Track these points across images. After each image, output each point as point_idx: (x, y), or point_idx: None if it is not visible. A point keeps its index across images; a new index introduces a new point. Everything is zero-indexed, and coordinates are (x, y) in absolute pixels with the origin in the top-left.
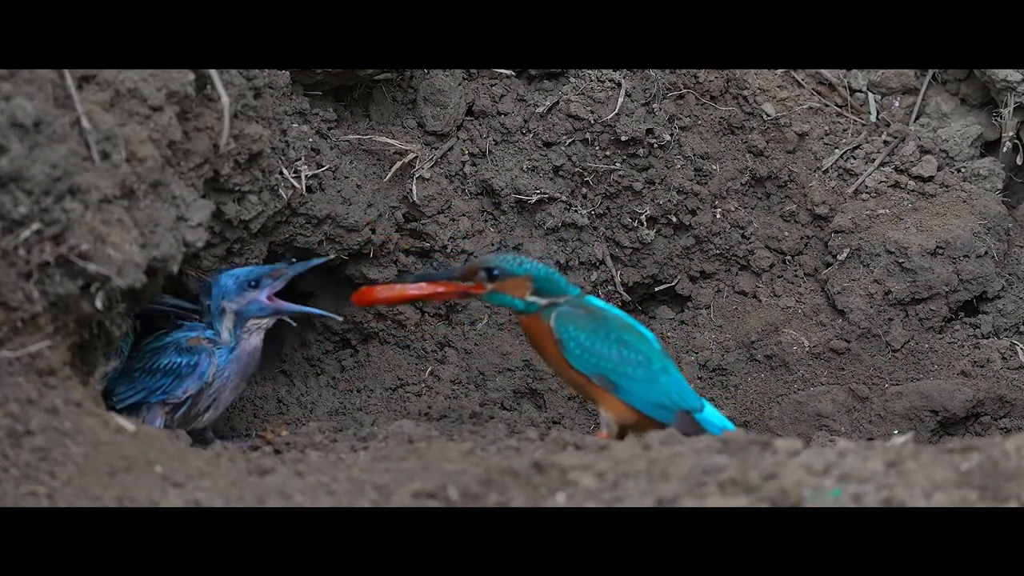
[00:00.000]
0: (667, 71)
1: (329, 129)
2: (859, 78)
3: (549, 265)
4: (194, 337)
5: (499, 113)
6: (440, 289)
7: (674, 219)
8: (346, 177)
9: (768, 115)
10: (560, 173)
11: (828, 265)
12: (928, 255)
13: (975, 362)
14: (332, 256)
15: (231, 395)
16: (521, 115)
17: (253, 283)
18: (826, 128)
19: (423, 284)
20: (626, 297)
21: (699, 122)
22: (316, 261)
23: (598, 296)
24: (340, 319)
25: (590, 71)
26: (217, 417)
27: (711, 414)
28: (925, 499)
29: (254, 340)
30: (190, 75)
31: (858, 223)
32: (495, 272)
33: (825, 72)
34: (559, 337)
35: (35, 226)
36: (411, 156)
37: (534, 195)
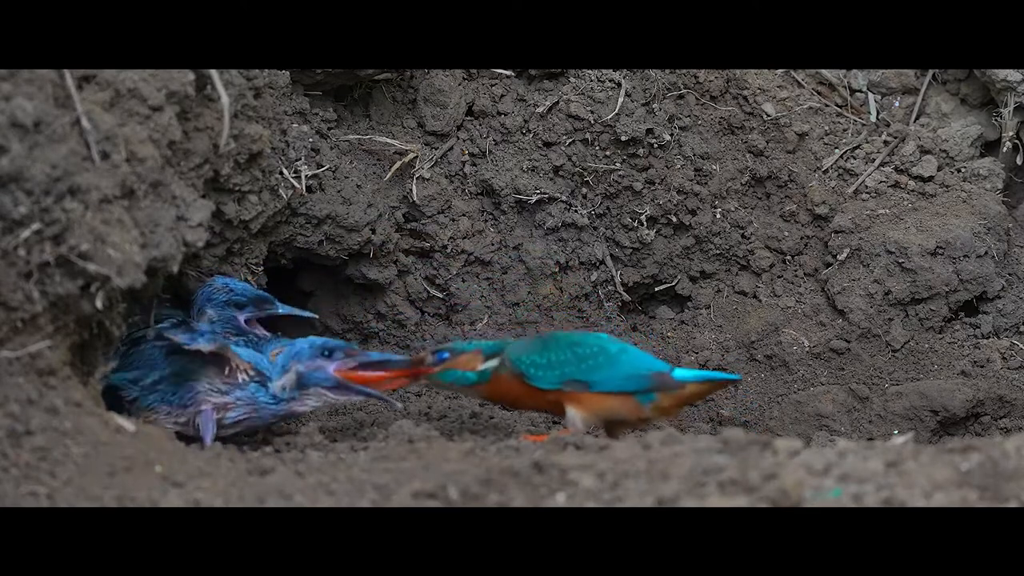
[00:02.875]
0: (667, 71)
1: (329, 129)
2: (859, 78)
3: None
4: (245, 361)
5: (499, 113)
6: (394, 379)
7: (674, 219)
8: (346, 177)
9: (768, 115)
10: (560, 173)
11: (828, 265)
12: (928, 255)
13: (975, 362)
14: (397, 405)
15: (259, 424)
16: (521, 115)
17: (327, 352)
18: (826, 128)
19: (381, 374)
20: (626, 297)
21: (699, 122)
22: (392, 356)
23: (598, 296)
24: (400, 407)
25: (590, 71)
26: (244, 431)
27: (682, 371)
28: (925, 499)
29: (306, 406)
30: (190, 75)
31: (858, 223)
32: (444, 354)
33: (825, 72)
34: (519, 370)
35: (35, 226)
36: (411, 156)
37: (534, 195)
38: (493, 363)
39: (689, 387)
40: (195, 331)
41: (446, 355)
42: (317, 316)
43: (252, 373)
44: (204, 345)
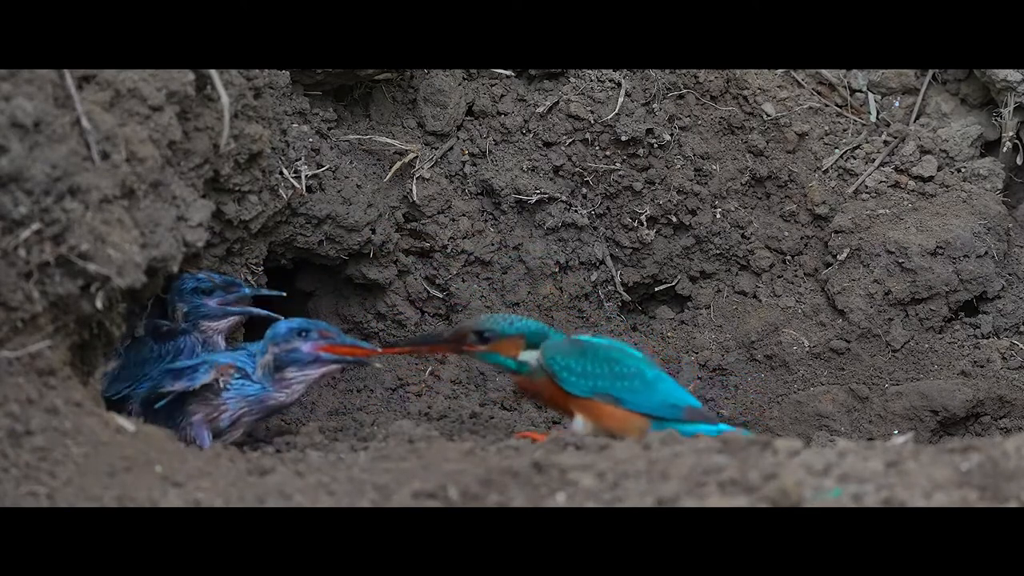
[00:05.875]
0: (667, 71)
1: (329, 129)
2: (859, 78)
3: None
4: (224, 364)
5: (499, 113)
6: (435, 352)
7: (674, 219)
8: (346, 177)
9: (768, 115)
10: (560, 173)
11: (828, 265)
12: (928, 255)
13: (975, 362)
14: (376, 364)
15: (254, 421)
16: (521, 115)
17: (303, 333)
18: (826, 128)
19: (422, 347)
20: (626, 297)
21: (699, 122)
22: (363, 346)
23: (598, 296)
24: (378, 365)
25: (590, 71)
26: (240, 434)
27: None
28: (925, 499)
29: (292, 391)
30: (190, 75)
31: (858, 223)
32: (486, 335)
33: (825, 72)
34: (551, 370)
35: (35, 226)
36: (411, 156)
37: (534, 195)
38: (531, 356)
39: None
40: (184, 364)
41: (488, 336)
42: (284, 294)
43: (233, 371)
44: (205, 378)
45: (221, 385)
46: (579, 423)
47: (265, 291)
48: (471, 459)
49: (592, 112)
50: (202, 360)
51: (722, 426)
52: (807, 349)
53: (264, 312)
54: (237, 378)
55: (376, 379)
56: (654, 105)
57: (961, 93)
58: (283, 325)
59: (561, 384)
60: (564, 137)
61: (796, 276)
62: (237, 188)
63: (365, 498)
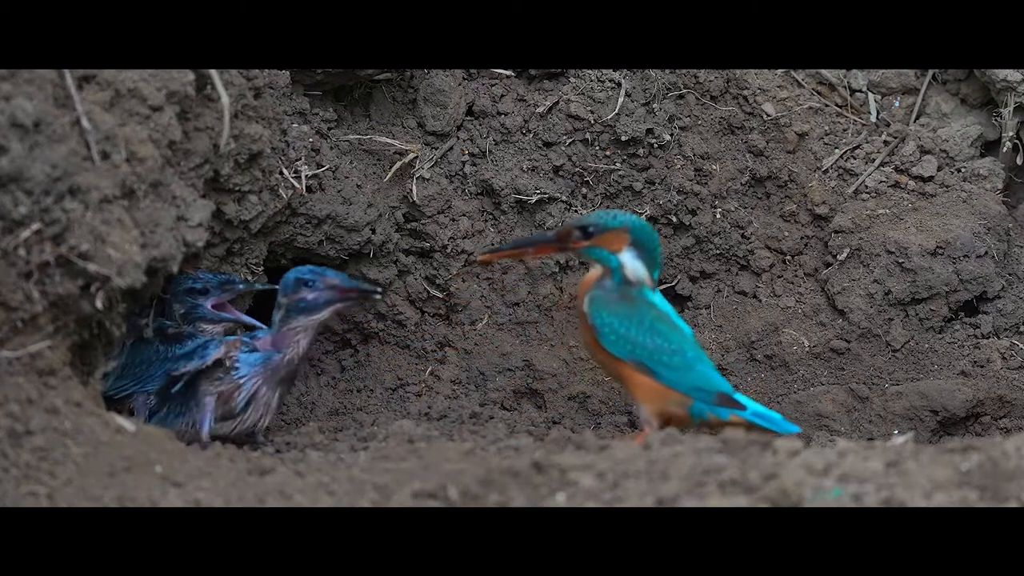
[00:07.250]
0: (667, 71)
1: (329, 129)
2: (859, 78)
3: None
4: (232, 341)
5: (499, 113)
6: (538, 254)
7: (674, 219)
8: (346, 177)
9: (768, 115)
10: (560, 173)
11: (828, 265)
12: (928, 255)
13: (975, 362)
14: (380, 291)
15: (270, 397)
16: (521, 115)
17: (309, 283)
18: (826, 128)
19: (526, 249)
20: None
21: (699, 122)
22: (366, 286)
23: None
24: (378, 297)
25: (590, 71)
26: (261, 419)
27: (746, 400)
28: (925, 499)
29: (295, 350)
30: (190, 75)
31: (858, 223)
32: (590, 229)
33: (825, 72)
34: (593, 323)
35: (35, 226)
36: (411, 156)
37: (534, 195)
38: (630, 259)
39: (734, 420)
40: (192, 345)
41: (592, 231)
42: (277, 287)
43: (240, 345)
44: (216, 353)
45: (230, 364)
46: (643, 412)
47: (259, 285)
48: (471, 459)
49: (592, 112)
50: (210, 338)
51: (755, 406)
52: (807, 349)
53: (252, 321)
54: (244, 352)
55: (376, 379)
56: (654, 105)
57: (961, 93)
58: (291, 275)
59: (600, 340)
60: (564, 137)
61: (796, 276)
62: (237, 188)
63: (365, 498)
